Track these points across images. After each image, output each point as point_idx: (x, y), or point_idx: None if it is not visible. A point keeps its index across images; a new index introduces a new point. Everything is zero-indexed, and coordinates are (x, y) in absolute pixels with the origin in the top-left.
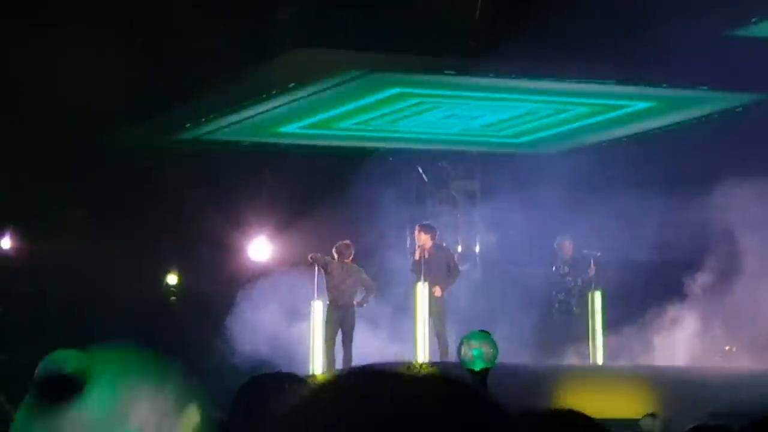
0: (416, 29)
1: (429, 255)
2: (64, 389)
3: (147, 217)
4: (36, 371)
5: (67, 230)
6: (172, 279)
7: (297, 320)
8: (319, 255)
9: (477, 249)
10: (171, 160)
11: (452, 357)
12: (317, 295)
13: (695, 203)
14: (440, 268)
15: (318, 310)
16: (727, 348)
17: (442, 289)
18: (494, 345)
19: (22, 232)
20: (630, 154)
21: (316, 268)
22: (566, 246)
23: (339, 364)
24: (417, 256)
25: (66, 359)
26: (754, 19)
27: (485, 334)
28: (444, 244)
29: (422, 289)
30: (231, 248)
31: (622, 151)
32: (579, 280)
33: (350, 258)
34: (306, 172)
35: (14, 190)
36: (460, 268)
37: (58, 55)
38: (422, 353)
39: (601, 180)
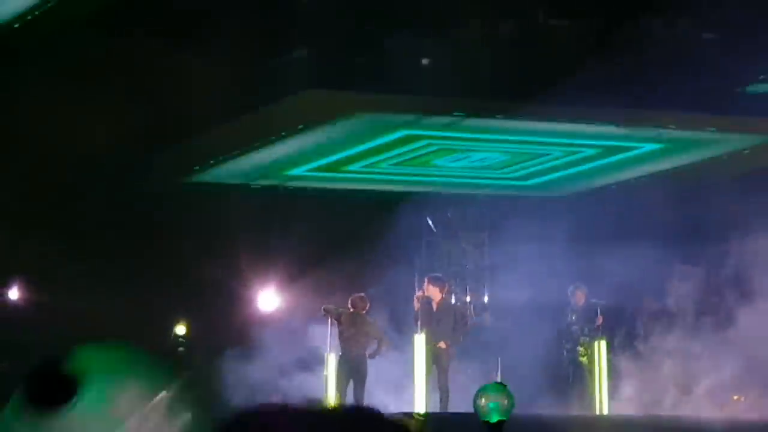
0: (425, 72)
1: (438, 308)
2: (58, 390)
3: (155, 267)
4: (27, 370)
5: (75, 282)
6: (180, 329)
7: (308, 372)
8: (331, 306)
9: (486, 299)
10: (178, 208)
11: (451, 409)
12: (329, 348)
13: (706, 250)
14: (448, 321)
15: (332, 362)
16: (735, 398)
17: (447, 344)
18: (510, 397)
19: (30, 283)
20: (636, 197)
21: (329, 319)
22: (579, 295)
23: None
24: (417, 307)
25: (59, 359)
26: (762, 77)
27: (501, 387)
28: (454, 300)
29: (419, 340)
30: (240, 298)
31: (629, 195)
32: (586, 329)
33: (364, 310)
34: (315, 220)
35: (23, 242)
36: (473, 319)
37: (59, 104)
38: (420, 405)
39: (609, 224)
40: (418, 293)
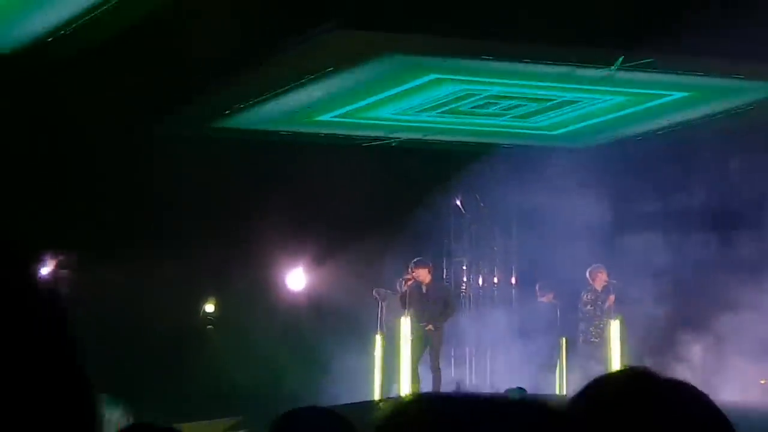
0: (452, 13)
1: (427, 290)
2: None
3: (185, 244)
4: None
5: (105, 258)
6: (209, 307)
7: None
8: (383, 290)
9: (513, 281)
10: (214, 184)
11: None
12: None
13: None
14: (437, 304)
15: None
16: (762, 381)
17: (435, 326)
18: None
19: (61, 258)
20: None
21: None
22: (598, 276)
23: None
24: (405, 288)
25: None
26: None
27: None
28: (444, 281)
29: (405, 323)
30: (270, 277)
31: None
32: (598, 311)
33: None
34: (344, 200)
35: (50, 215)
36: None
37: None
38: (407, 386)
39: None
40: (407, 276)
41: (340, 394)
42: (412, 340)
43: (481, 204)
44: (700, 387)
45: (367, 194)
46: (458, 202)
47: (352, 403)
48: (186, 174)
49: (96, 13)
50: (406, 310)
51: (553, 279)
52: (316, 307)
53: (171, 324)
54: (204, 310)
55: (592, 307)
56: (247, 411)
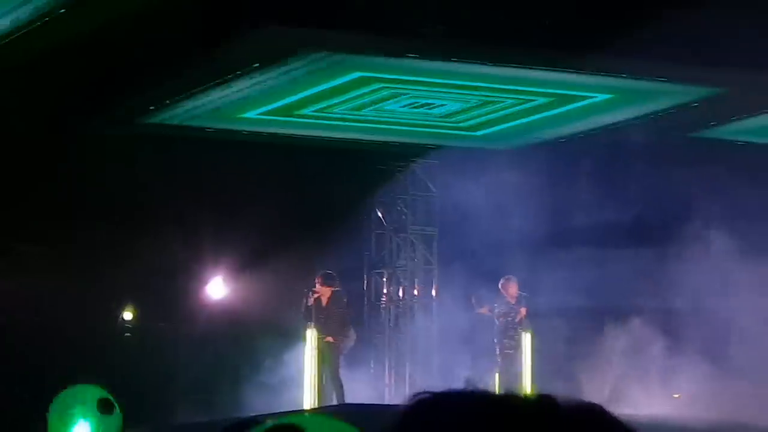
0: (379, 11)
1: (327, 304)
2: None
3: (102, 251)
4: None
5: (21, 264)
6: (127, 315)
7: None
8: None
9: (434, 292)
10: (133, 187)
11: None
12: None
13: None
14: (336, 319)
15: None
16: (676, 396)
17: (335, 339)
18: None
19: None
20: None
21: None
22: (509, 287)
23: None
24: (310, 302)
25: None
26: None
27: None
28: (344, 297)
29: (311, 336)
30: (188, 285)
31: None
32: (511, 323)
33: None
34: (266, 206)
35: None
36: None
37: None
38: (310, 399)
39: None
40: (313, 289)
41: (263, 403)
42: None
43: (403, 216)
44: (614, 402)
45: (289, 201)
46: (379, 213)
47: (280, 412)
48: (104, 177)
49: (19, 13)
50: (311, 323)
51: (480, 290)
52: (236, 316)
53: (87, 332)
54: (122, 317)
55: (505, 319)
56: (159, 420)
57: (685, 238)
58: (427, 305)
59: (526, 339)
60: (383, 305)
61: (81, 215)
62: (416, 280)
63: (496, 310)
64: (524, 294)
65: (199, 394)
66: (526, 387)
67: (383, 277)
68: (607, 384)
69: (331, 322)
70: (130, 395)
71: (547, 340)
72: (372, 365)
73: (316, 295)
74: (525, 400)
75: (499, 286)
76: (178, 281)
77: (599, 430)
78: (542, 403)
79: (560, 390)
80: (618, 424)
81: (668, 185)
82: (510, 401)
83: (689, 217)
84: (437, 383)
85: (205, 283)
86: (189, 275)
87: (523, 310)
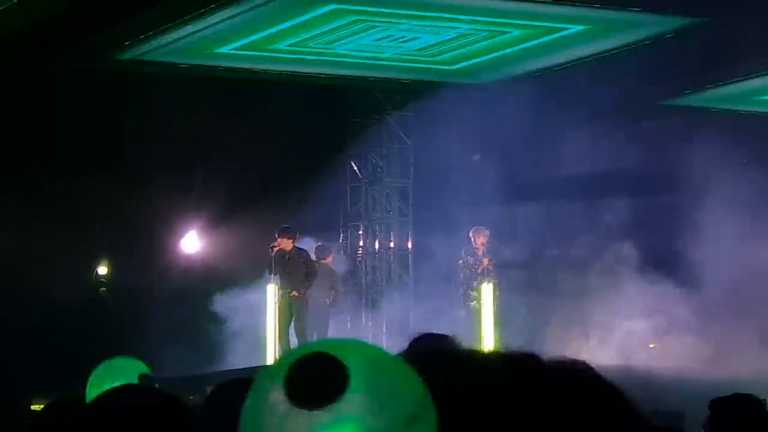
0: None
1: (289, 258)
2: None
3: (77, 204)
4: None
5: None
6: (102, 270)
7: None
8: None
9: (410, 246)
10: (110, 133)
11: None
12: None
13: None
14: (299, 272)
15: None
16: (652, 346)
17: (299, 292)
18: None
19: None
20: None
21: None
22: (479, 237)
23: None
24: (271, 257)
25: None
26: None
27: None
28: (303, 249)
29: (272, 290)
30: (163, 239)
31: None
32: (474, 274)
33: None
34: (242, 156)
35: None
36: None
37: None
38: (272, 355)
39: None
40: (273, 243)
41: (238, 357)
42: (279, 308)
43: (378, 168)
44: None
45: (264, 154)
46: (354, 166)
47: (249, 368)
48: (78, 123)
49: None
50: (272, 277)
51: (456, 239)
52: (210, 270)
53: (62, 286)
54: (96, 272)
55: (468, 270)
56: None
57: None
58: (402, 257)
59: (488, 290)
60: (359, 258)
61: (54, 166)
62: (392, 232)
63: (461, 261)
64: (490, 243)
65: (175, 348)
66: (488, 339)
67: (359, 230)
68: (573, 337)
69: (294, 276)
70: (105, 349)
71: (515, 291)
72: (348, 318)
73: (276, 249)
74: (511, 358)
75: (469, 235)
76: (152, 235)
77: (585, 386)
78: (528, 361)
79: (523, 343)
80: (603, 381)
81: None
82: (496, 359)
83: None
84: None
85: (180, 236)
86: (163, 229)
87: (486, 260)
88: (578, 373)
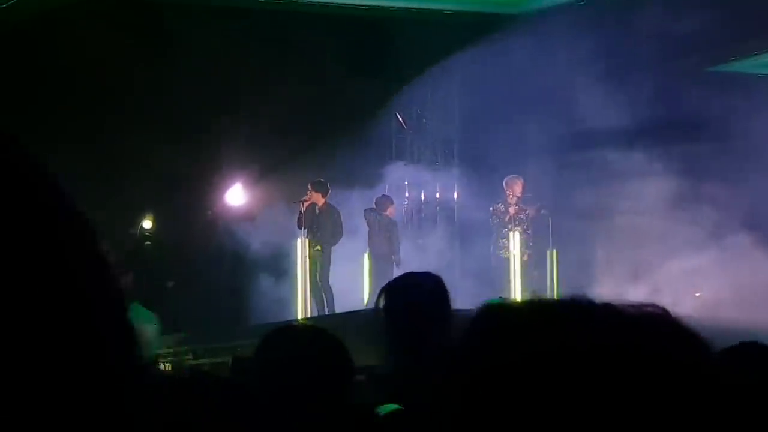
0: None
1: (319, 212)
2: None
3: (122, 158)
4: None
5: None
6: (147, 223)
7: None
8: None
9: (455, 197)
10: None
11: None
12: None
13: None
14: (326, 227)
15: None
16: (698, 294)
17: (323, 248)
18: None
19: None
20: None
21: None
22: (514, 185)
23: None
24: (302, 211)
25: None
26: None
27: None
28: (334, 206)
29: (300, 244)
30: (207, 193)
31: None
32: (509, 223)
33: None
34: (285, 112)
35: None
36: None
37: None
38: (302, 307)
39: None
40: (304, 198)
41: (283, 311)
42: (311, 261)
43: (423, 120)
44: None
45: (309, 104)
46: (399, 117)
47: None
48: (115, 73)
49: None
50: (302, 230)
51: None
52: (254, 223)
53: (107, 240)
54: (142, 226)
55: (498, 219)
56: (189, 327)
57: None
58: (448, 208)
59: (515, 239)
60: (405, 209)
61: (97, 119)
62: (437, 183)
63: (491, 209)
64: (529, 195)
65: (219, 302)
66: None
67: (404, 182)
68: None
69: (321, 232)
70: (152, 304)
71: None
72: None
73: (307, 203)
74: (587, 306)
75: (503, 183)
76: (197, 188)
77: (667, 334)
78: (605, 308)
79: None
80: (686, 329)
81: None
82: (571, 307)
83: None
84: (466, 288)
85: (225, 190)
86: (207, 182)
87: (513, 209)
88: (661, 320)
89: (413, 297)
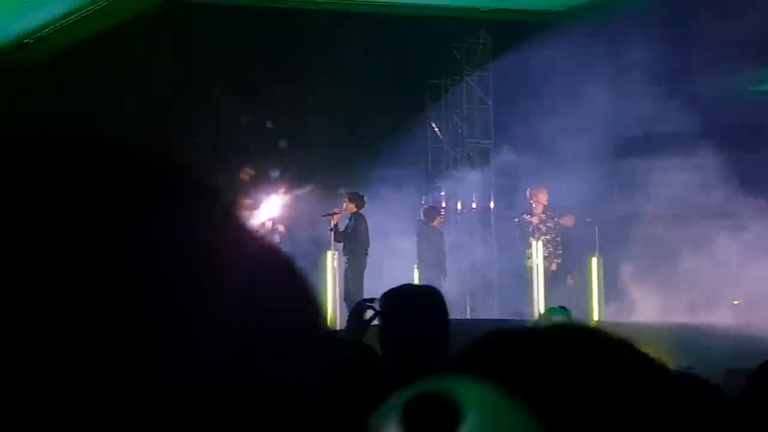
0: None
1: (355, 222)
2: None
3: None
4: None
5: None
6: None
7: None
8: None
9: (492, 206)
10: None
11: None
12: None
13: None
14: (357, 238)
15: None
16: (736, 302)
17: (351, 258)
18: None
19: None
20: None
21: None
22: (539, 196)
23: None
24: (335, 221)
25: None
26: None
27: (564, 311)
28: (364, 216)
29: (330, 256)
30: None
31: None
32: (533, 232)
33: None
34: (321, 122)
35: None
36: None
37: None
38: (336, 317)
39: None
40: (335, 210)
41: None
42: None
43: (459, 129)
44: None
45: (344, 113)
46: (435, 127)
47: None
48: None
49: None
50: (335, 242)
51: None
52: (290, 232)
53: None
54: None
55: (521, 229)
56: None
57: None
58: (484, 218)
59: (538, 247)
60: (441, 219)
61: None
62: (474, 193)
63: (517, 219)
64: (568, 204)
65: None
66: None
67: (441, 192)
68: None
69: (353, 241)
70: None
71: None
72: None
73: (338, 215)
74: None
75: (527, 193)
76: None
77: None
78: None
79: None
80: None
81: None
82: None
83: None
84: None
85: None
86: (233, 192)
87: (535, 219)
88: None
89: (408, 307)
